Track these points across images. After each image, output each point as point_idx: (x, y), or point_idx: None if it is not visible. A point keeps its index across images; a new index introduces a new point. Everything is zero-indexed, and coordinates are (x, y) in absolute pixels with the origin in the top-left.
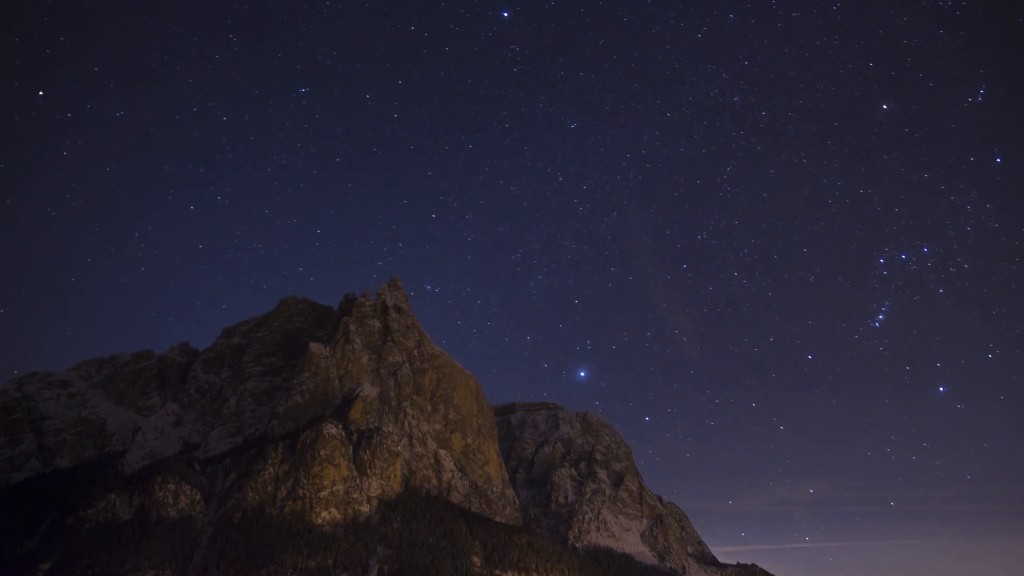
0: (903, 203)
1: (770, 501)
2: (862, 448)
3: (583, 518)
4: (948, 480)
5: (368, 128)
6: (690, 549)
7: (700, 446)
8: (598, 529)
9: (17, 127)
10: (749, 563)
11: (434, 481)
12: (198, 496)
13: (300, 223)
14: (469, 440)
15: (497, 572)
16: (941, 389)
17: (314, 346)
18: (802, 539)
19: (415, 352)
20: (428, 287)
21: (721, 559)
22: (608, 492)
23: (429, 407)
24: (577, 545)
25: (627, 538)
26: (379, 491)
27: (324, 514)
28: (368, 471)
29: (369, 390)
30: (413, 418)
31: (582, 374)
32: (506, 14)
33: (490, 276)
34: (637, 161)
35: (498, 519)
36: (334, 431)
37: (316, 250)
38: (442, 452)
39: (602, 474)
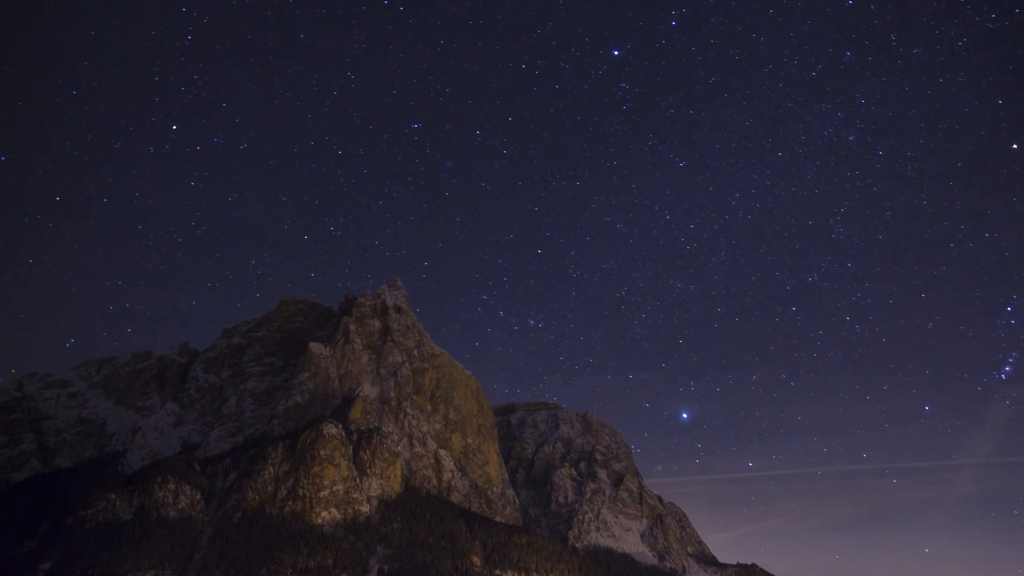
0: None
1: (877, 560)
2: (984, 510)
3: (583, 518)
4: None
5: (477, 163)
6: (690, 549)
7: (805, 496)
8: (598, 529)
9: (152, 159)
10: (749, 563)
11: (434, 481)
12: (198, 496)
13: (408, 255)
14: (469, 440)
15: (497, 572)
16: None
17: (314, 346)
18: None
19: (415, 352)
20: (531, 322)
21: None
22: (608, 492)
23: (429, 407)
24: (577, 545)
25: (627, 538)
26: (379, 491)
27: (324, 514)
28: (368, 471)
29: (369, 390)
30: (413, 418)
31: (685, 416)
32: (616, 52)
33: (594, 313)
34: (747, 200)
35: (498, 519)
36: (334, 431)
37: (423, 282)
38: (442, 452)
39: (602, 474)
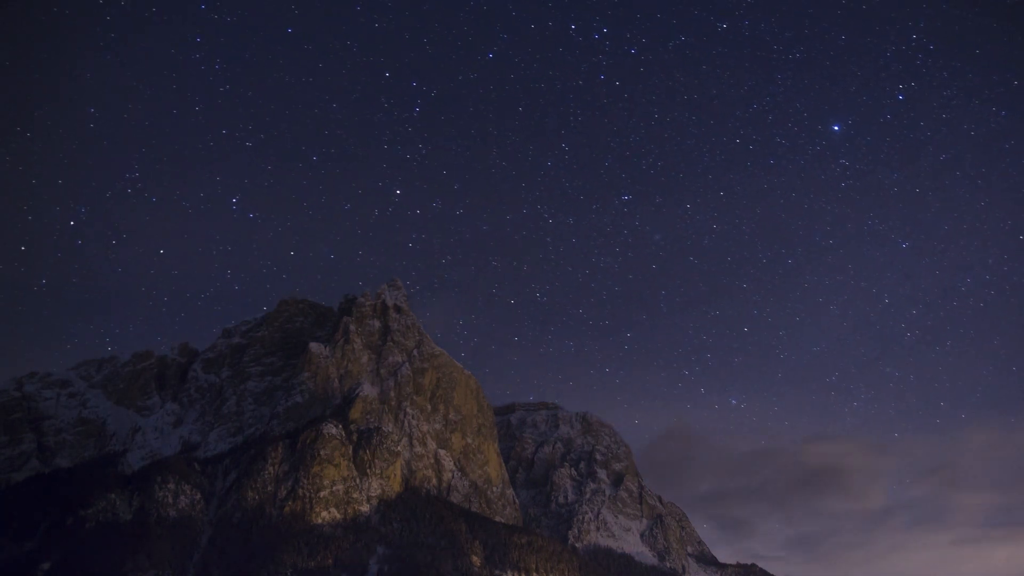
0: None
1: None
2: None
3: (583, 518)
4: None
5: (686, 237)
6: (690, 549)
7: None
8: (598, 529)
9: (376, 220)
10: (749, 563)
11: (434, 481)
12: (198, 496)
13: (611, 325)
14: (469, 440)
15: (497, 572)
16: None
17: (314, 346)
18: None
19: (415, 352)
20: (734, 401)
21: None
22: (608, 492)
23: (429, 407)
24: (577, 545)
25: (627, 538)
26: (379, 491)
27: (324, 514)
28: (368, 471)
29: (369, 390)
30: (413, 418)
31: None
32: (836, 128)
33: (801, 397)
34: (979, 287)
35: (498, 519)
36: (334, 431)
37: (624, 353)
38: (442, 452)
39: (602, 474)
